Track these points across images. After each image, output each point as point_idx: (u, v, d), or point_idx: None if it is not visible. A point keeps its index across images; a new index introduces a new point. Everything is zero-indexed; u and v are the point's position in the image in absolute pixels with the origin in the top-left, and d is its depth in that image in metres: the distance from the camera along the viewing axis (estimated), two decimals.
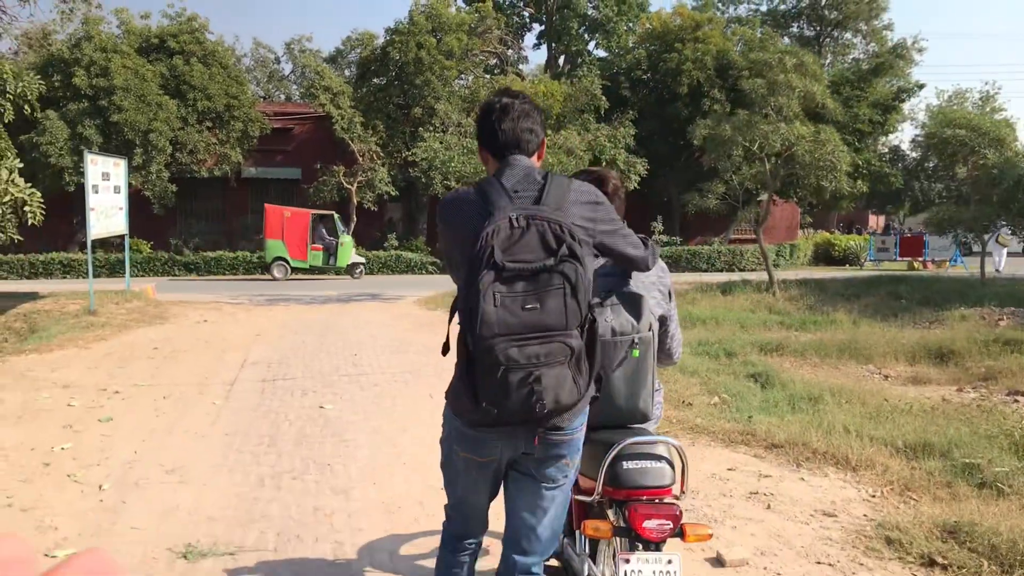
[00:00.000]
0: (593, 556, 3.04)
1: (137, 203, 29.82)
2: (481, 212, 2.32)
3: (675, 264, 29.88)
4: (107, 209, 14.31)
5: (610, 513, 2.81)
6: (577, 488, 2.89)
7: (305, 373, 9.15)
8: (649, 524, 2.60)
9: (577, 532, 3.04)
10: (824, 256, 35.13)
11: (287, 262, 25.34)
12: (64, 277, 25.97)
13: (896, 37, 44.92)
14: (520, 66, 37.28)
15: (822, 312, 14.54)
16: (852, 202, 37.55)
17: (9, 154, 15.20)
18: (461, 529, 2.74)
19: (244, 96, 28.96)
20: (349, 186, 28.26)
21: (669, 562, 2.63)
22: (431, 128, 16.48)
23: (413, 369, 9.42)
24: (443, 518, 2.81)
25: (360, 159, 28.29)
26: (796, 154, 15.71)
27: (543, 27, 39.14)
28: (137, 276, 25.93)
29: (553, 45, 38.33)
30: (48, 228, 29.62)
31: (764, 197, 22.87)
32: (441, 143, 16.23)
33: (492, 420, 2.33)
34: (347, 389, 8.30)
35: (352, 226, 29.10)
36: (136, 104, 25.66)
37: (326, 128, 29.06)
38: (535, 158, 2.54)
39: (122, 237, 16.54)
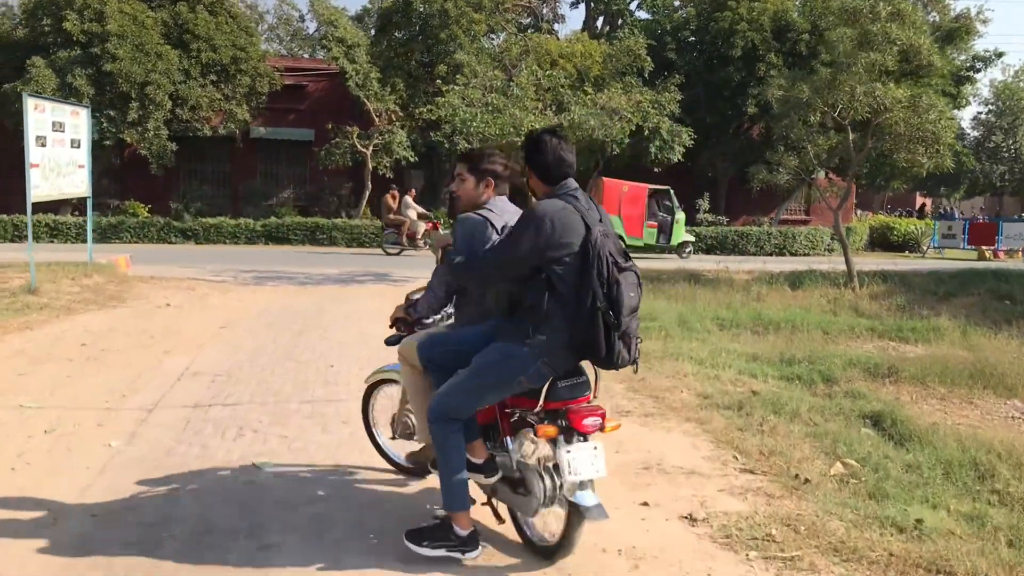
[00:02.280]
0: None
1: (134, 162, 27.63)
2: (585, 221, 3.48)
3: (720, 247, 27.16)
4: (59, 166, 11.93)
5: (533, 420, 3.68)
6: (504, 406, 3.82)
7: (255, 395, 6.70)
8: (587, 421, 3.56)
9: (506, 439, 3.82)
10: (880, 241, 32.27)
11: (622, 239, 22.92)
12: (51, 241, 23.74)
13: (959, 7, 41.60)
14: (556, 25, 34.40)
15: (918, 315, 11.91)
16: (904, 183, 34.62)
17: None
18: (461, 420, 3.72)
19: (253, 48, 26.46)
20: (364, 149, 25.71)
21: (595, 448, 3.61)
22: (454, 85, 14.00)
23: None
24: None
25: (376, 120, 25.70)
26: (889, 122, 12.98)
27: None
28: (131, 243, 23.65)
29: (591, 4, 35.40)
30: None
31: (821, 173, 20.16)
32: (463, 99, 13.64)
33: (603, 365, 3.53)
34: (304, 428, 5.85)
35: (367, 194, 26.62)
36: (133, 53, 23.23)
37: (342, 86, 26.54)
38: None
39: (83, 199, 14.06)
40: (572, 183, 3.62)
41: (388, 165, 26.17)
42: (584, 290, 3.38)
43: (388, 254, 21.24)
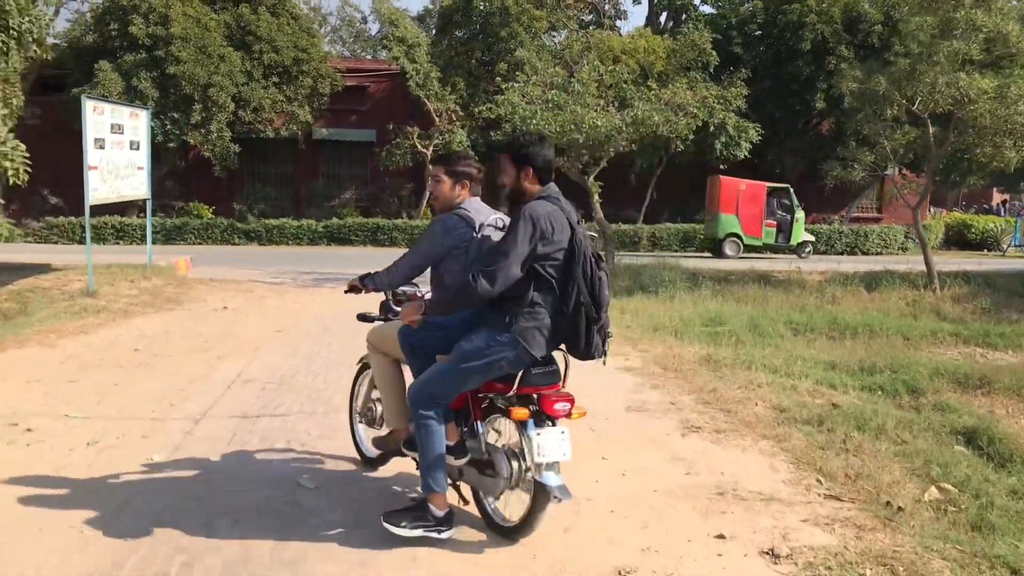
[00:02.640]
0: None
1: (199, 164, 27.92)
2: (569, 223, 3.72)
3: None
4: (117, 168, 11.90)
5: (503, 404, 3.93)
6: (476, 391, 3.99)
7: (305, 405, 6.44)
8: (557, 406, 3.77)
9: (477, 423, 4.02)
10: (957, 239, 30.97)
11: (740, 239, 23.27)
12: (118, 243, 24.10)
13: None
14: (618, 21, 33.84)
15: (1007, 319, 11.19)
16: (982, 178, 33.16)
17: (14, 100, 13.01)
18: (444, 405, 3.90)
19: (314, 50, 26.46)
20: (423, 150, 25.54)
21: (563, 432, 3.78)
22: (514, 82, 13.63)
23: None
24: None
25: (436, 120, 25.51)
26: (973, 114, 12.24)
27: None
28: (194, 244, 23.89)
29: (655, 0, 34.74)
30: None
31: (890, 171, 19.28)
32: (522, 96, 13.29)
33: (580, 356, 3.79)
34: (351, 443, 5.56)
35: (427, 194, 26.47)
36: (196, 55, 23.39)
37: (403, 86, 26.42)
38: None
39: (142, 201, 14.04)
40: (555, 187, 3.84)
41: None
42: (570, 285, 3.66)
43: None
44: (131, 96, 23.06)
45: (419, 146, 25.52)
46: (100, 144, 11.28)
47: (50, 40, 27.60)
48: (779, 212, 24.00)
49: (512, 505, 4.04)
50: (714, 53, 24.94)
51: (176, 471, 4.94)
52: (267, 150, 28.96)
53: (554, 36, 28.27)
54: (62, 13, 29.58)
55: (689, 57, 24.67)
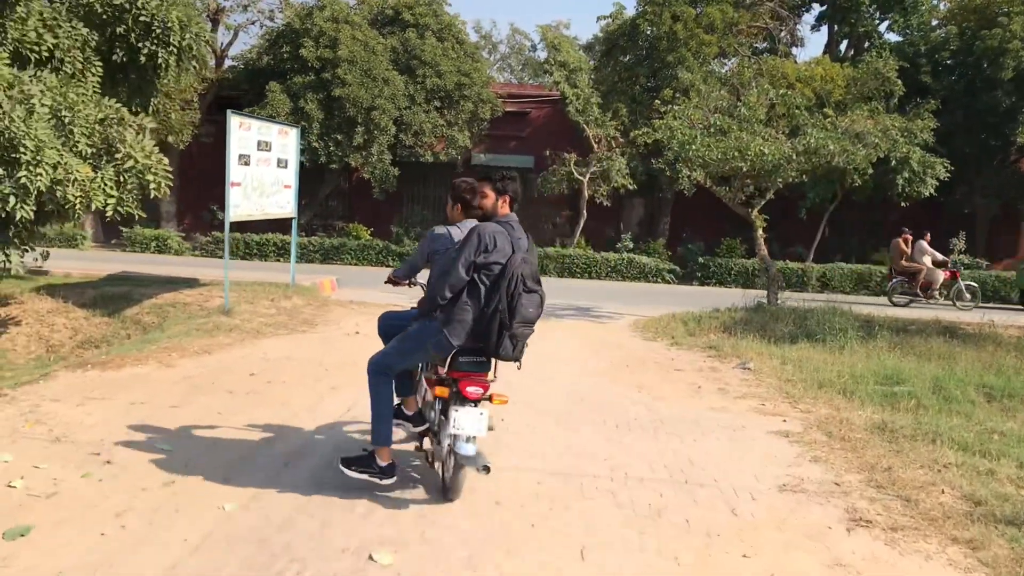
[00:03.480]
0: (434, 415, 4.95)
1: (361, 186, 28.35)
2: (512, 245, 4.59)
3: (980, 294, 23.79)
4: (263, 185, 11.78)
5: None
6: (435, 372, 4.94)
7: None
8: (469, 389, 4.53)
9: (427, 393, 5.05)
10: None
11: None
12: (278, 260, 24.65)
13: None
14: (793, 49, 32.07)
15: None
16: None
17: (172, 115, 13.22)
18: (394, 375, 4.99)
19: (477, 75, 26.33)
20: (581, 177, 24.83)
21: (481, 413, 4.52)
22: (674, 105, 12.63)
23: (566, 471, 5.71)
24: None
25: (595, 146, 24.76)
26: None
27: (824, 6, 33.59)
28: (351, 265, 24.08)
29: (835, 27, 32.74)
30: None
31: None
32: (681, 121, 12.27)
33: (490, 354, 4.59)
34: (444, 510, 4.78)
35: (582, 223, 25.73)
36: (360, 78, 23.69)
37: (562, 112, 25.89)
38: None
39: (289, 220, 13.93)
40: (514, 216, 4.83)
41: (605, 193, 25.13)
42: (494, 295, 4.46)
43: (895, 305, 18.97)
44: (297, 117, 23.60)
45: (576, 173, 24.84)
46: (245, 160, 11.17)
47: (228, 62, 28.94)
48: None
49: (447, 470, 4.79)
50: (899, 82, 23.00)
51: (243, 526, 4.32)
52: (426, 173, 29.11)
53: (724, 63, 27.03)
54: (243, 37, 30.85)
55: (871, 86, 22.84)
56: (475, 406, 4.54)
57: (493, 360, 4.66)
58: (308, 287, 13.95)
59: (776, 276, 13.25)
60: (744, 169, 11.61)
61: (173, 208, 28.13)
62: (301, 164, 24.95)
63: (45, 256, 11.05)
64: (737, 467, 5.78)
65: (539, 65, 39.91)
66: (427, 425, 5.09)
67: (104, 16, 10.85)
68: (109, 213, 8.29)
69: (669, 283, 24.20)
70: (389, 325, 5.33)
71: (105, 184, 8.31)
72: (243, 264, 21.32)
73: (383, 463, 4.76)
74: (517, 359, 4.58)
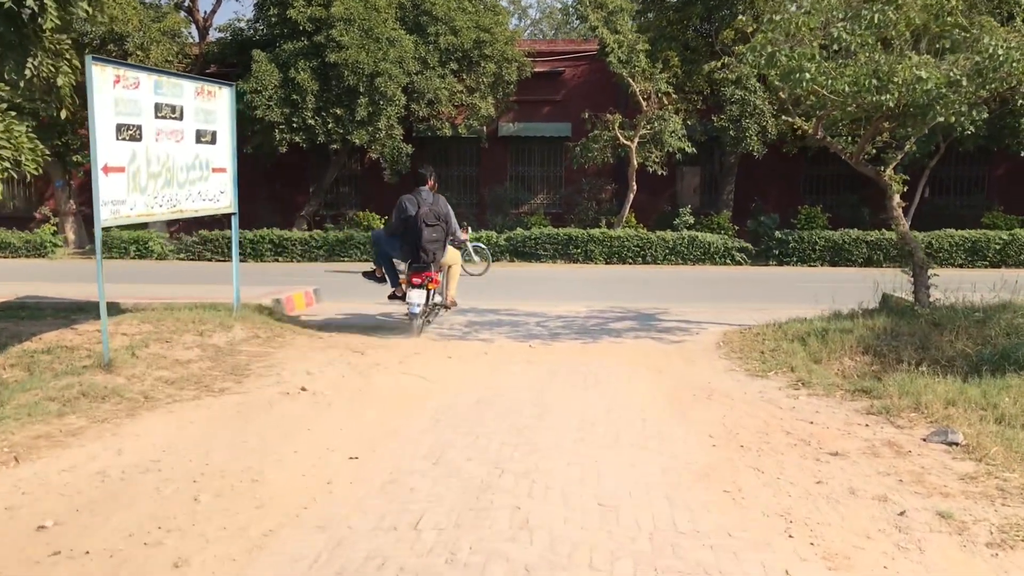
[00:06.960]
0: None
1: (372, 169, 24.58)
2: (419, 205, 9.16)
3: None
4: (170, 170, 8.02)
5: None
6: (407, 274, 9.57)
7: None
8: (415, 279, 9.16)
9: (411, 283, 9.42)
10: None
11: None
12: (276, 260, 21.01)
13: None
14: None
15: None
16: None
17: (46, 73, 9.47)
18: (388, 260, 9.86)
19: (499, 29, 22.26)
20: (628, 142, 20.68)
21: (422, 291, 9.26)
22: (772, 15, 8.51)
23: None
24: None
25: (644, 104, 20.57)
26: None
27: None
28: (358, 261, 20.26)
29: None
30: (271, 198, 25.09)
31: None
32: (786, 36, 8.11)
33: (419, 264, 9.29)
34: None
35: (631, 197, 21.62)
36: (360, 40, 19.84)
37: (602, 68, 21.76)
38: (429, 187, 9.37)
39: (226, 217, 10.05)
40: (426, 189, 9.27)
41: (658, 160, 20.98)
42: (410, 232, 9.05)
43: None
44: (288, 90, 19.87)
45: (622, 138, 20.71)
46: (131, 133, 7.39)
47: (215, 34, 25.28)
48: None
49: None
50: None
51: None
52: (447, 149, 25.27)
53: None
54: (231, 4, 27.15)
55: None
56: (423, 287, 9.24)
57: (432, 265, 9.25)
58: (265, 307, 10.22)
59: (925, 263, 9.11)
60: (890, 105, 7.55)
61: None
62: (296, 145, 21.43)
63: None
64: None
65: (570, 10, 35.45)
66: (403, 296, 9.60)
67: None
68: None
69: (741, 264, 20.08)
70: (381, 240, 9.84)
71: None
72: (217, 270, 17.14)
73: (399, 294, 9.70)
74: (435, 262, 9.26)
